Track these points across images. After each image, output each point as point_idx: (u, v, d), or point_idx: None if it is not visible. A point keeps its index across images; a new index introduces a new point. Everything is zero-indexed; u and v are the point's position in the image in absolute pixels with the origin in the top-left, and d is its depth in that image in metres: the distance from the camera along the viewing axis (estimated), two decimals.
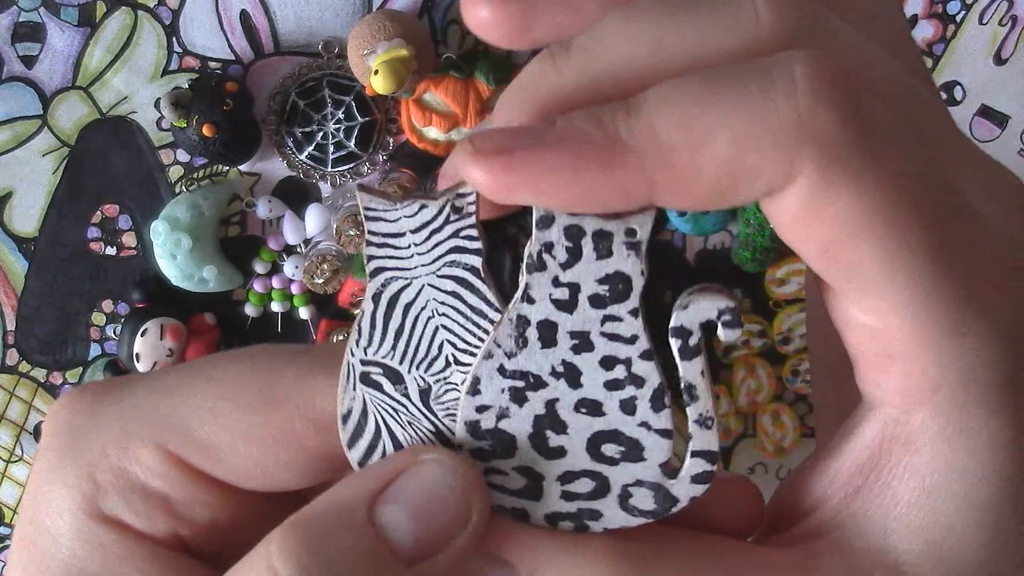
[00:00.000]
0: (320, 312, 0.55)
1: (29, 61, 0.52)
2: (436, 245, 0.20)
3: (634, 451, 0.21)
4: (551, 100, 0.20)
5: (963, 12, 0.52)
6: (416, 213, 0.20)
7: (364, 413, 0.21)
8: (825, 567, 0.20)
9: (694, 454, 0.21)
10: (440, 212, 0.20)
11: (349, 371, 0.21)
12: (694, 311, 0.20)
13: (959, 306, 0.19)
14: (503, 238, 0.53)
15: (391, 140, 0.53)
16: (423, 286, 0.21)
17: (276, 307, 0.54)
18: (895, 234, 0.18)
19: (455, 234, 0.20)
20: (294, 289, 0.55)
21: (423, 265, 0.20)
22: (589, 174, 0.18)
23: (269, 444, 0.22)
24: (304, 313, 0.55)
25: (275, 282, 0.54)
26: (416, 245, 0.20)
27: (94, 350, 0.55)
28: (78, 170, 0.53)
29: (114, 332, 0.55)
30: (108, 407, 0.23)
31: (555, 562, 0.20)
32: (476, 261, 0.20)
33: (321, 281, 0.53)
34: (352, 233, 0.52)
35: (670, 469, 0.21)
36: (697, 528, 0.21)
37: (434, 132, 0.52)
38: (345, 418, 0.21)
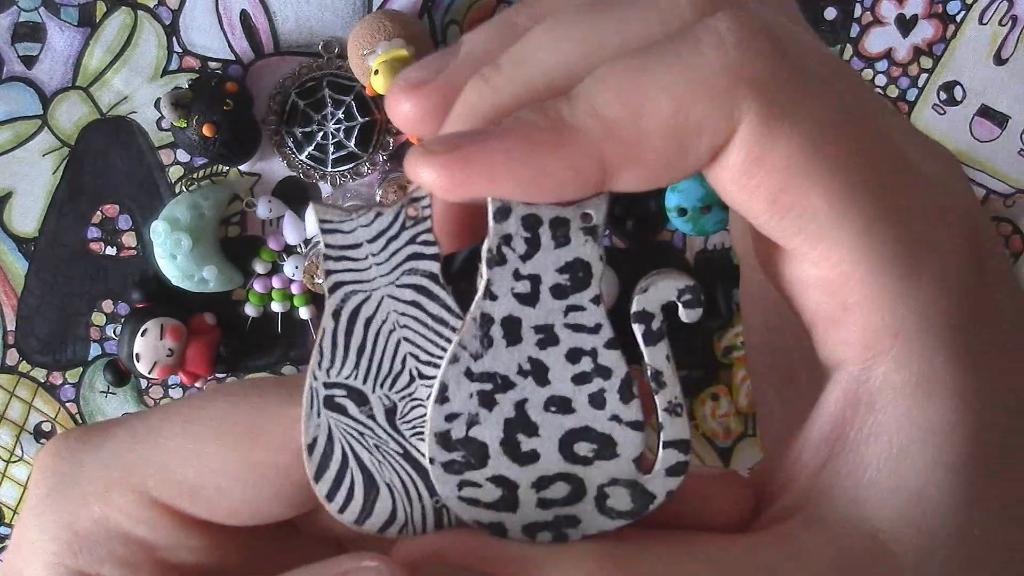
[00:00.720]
0: (320, 312, 0.55)
1: (29, 61, 0.52)
2: (393, 254, 0.20)
3: (607, 447, 0.20)
4: (491, 116, 0.20)
5: (963, 12, 0.52)
6: (372, 222, 0.20)
7: (330, 440, 0.21)
8: (801, 543, 0.20)
9: (666, 444, 0.20)
10: (395, 219, 0.20)
11: (312, 396, 0.21)
12: (654, 293, 0.20)
13: (911, 247, 0.19)
14: None
15: (391, 140, 0.53)
16: (383, 298, 0.20)
17: (276, 307, 0.54)
18: (841, 173, 0.18)
19: (412, 240, 0.20)
20: (294, 289, 0.55)
21: (382, 276, 0.20)
22: (540, 156, 0.18)
23: (256, 480, 0.22)
24: (304, 313, 0.55)
25: (275, 282, 0.54)
26: (374, 255, 0.20)
27: (94, 350, 0.55)
28: (78, 170, 0.53)
29: (114, 332, 0.55)
30: (90, 453, 0.23)
31: (539, 573, 0.20)
32: (434, 267, 0.20)
33: (321, 281, 0.53)
34: None
35: (644, 464, 0.20)
36: (688, 528, 0.21)
37: None
38: (311, 448, 0.21)
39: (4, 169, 0.53)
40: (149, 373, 0.52)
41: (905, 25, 0.53)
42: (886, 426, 0.19)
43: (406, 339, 0.20)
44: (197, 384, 0.56)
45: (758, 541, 0.20)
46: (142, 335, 0.52)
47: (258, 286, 0.54)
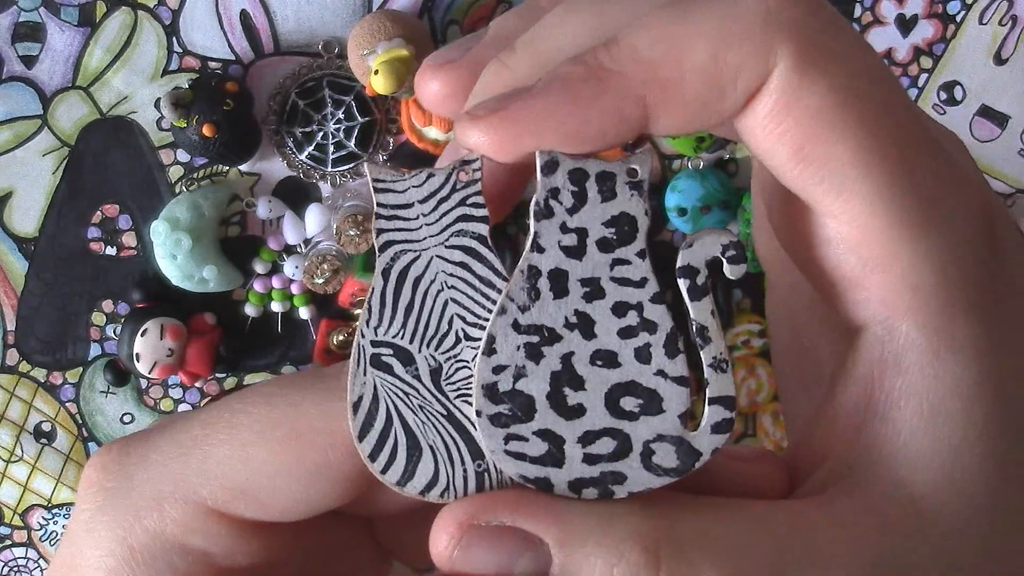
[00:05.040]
0: (320, 312, 0.55)
1: (29, 61, 0.52)
2: (444, 214, 0.21)
3: (653, 403, 0.20)
4: None
5: (963, 12, 0.52)
6: (424, 183, 0.20)
7: (375, 399, 0.21)
8: (841, 511, 0.20)
9: (711, 401, 0.21)
10: (447, 181, 0.20)
11: (359, 354, 0.21)
12: (699, 248, 0.20)
13: (929, 206, 0.19)
14: (504, 237, 0.53)
15: (391, 140, 0.53)
16: (432, 258, 0.21)
17: (276, 307, 0.54)
18: (867, 127, 0.19)
19: (462, 202, 0.20)
20: (294, 289, 0.55)
21: (431, 236, 0.21)
22: (583, 103, 0.19)
23: (306, 477, 0.22)
24: (304, 313, 0.55)
25: (275, 282, 0.54)
26: (424, 215, 0.21)
27: (94, 350, 0.55)
28: (78, 170, 0.53)
29: (114, 332, 0.55)
30: (137, 467, 0.23)
31: (584, 530, 0.20)
32: (483, 229, 0.21)
33: (321, 281, 0.53)
34: (352, 233, 0.52)
35: (690, 421, 0.21)
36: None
37: (434, 132, 0.52)
38: (356, 406, 0.21)
39: (4, 169, 0.53)
40: (149, 373, 0.52)
41: (905, 25, 0.53)
42: (914, 388, 0.20)
43: (454, 300, 0.21)
44: (197, 384, 0.56)
45: (800, 507, 0.20)
46: (142, 335, 0.52)
47: (258, 286, 0.54)
